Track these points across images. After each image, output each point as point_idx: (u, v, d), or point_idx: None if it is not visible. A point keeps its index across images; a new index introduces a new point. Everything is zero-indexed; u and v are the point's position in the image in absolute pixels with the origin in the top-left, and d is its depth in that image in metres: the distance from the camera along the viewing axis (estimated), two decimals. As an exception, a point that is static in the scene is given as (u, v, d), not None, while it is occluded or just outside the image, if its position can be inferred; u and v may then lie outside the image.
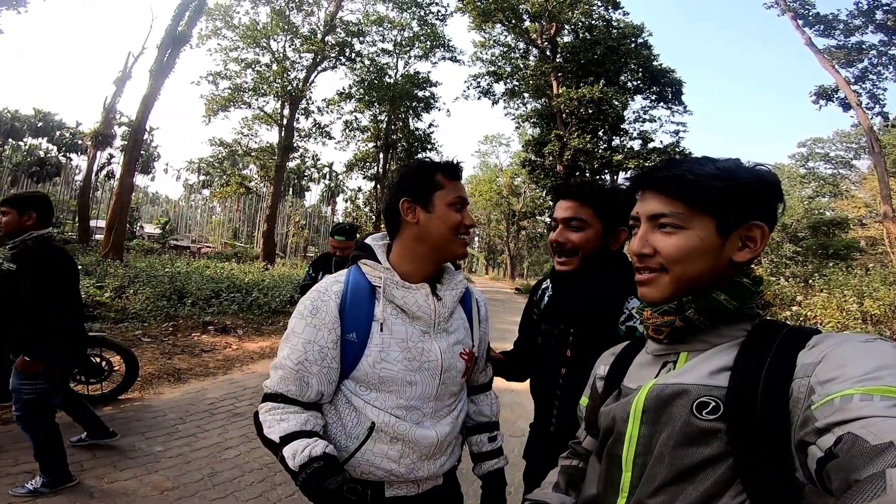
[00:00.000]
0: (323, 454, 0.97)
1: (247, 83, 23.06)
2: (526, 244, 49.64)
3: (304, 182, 45.14)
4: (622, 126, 23.51)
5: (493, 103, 25.79)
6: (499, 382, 1.50)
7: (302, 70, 23.69)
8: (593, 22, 22.72)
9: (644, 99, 24.04)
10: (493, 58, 25.29)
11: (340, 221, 4.37)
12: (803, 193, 32.35)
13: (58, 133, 37.50)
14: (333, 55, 23.58)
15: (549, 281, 1.50)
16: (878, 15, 16.03)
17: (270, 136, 25.92)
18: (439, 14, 25.62)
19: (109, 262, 11.90)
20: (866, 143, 17.73)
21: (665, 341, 0.77)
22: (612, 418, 0.80)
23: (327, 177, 47.16)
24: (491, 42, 24.99)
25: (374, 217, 27.93)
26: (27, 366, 2.40)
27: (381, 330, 1.05)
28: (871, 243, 25.62)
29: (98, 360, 3.92)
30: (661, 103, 23.70)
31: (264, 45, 23.04)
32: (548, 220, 25.49)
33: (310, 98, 24.43)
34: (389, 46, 26.25)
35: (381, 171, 27.37)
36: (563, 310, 1.37)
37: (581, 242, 1.30)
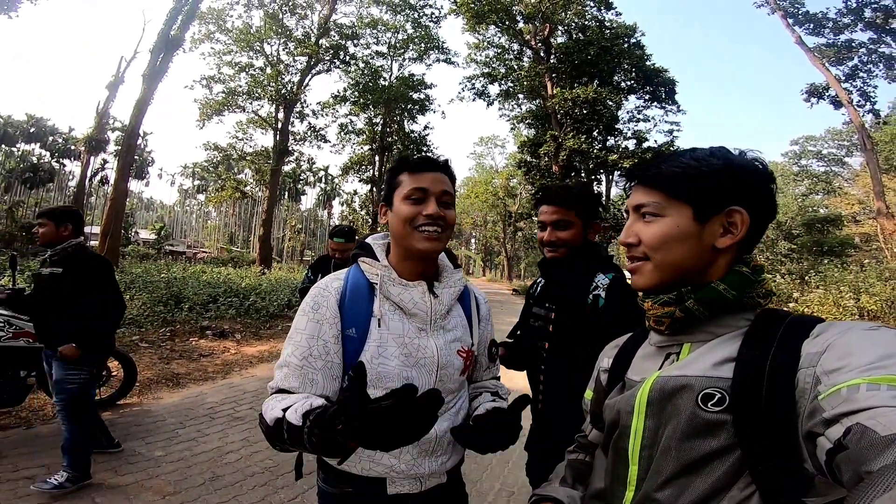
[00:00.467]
0: (324, 403, 0.90)
1: (241, 87, 22.96)
2: (523, 245, 49.60)
3: (299, 186, 44.96)
4: (616, 126, 23.63)
5: (487, 105, 25.87)
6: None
7: (296, 73, 23.63)
8: (586, 22, 22.81)
9: (638, 99, 24.22)
10: (488, 59, 25.35)
11: (339, 224, 4.39)
12: (797, 191, 32.52)
13: (50, 138, 37.20)
14: (328, 58, 23.55)
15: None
16: (867, 13, 16.22)
17: (265, 139, 25.74)
18: (433, 16, 25.67)
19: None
20: (858, 140, 17.87)
21: (667, 332, 0.77)
22: (616, 411, 0.80)
23: (323, 180, 47.11)
24: (485, 44, 25.06)
25: (370, 220, 27.90)
26: (72, 351, 2.62)
27: (379, 326, 1.06)
28: (865, 239, 25.77)
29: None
30: (655, 103, 23.87)
31: (258, 48, 22.96)
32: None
33: (304, 101, 24.35)
34: (384, 49, 26.28)
35: (376, 173, 27.33)
36: (551, 293, 1.61)
37: (569, 238, 1.57)
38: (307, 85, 23.84)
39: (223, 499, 2.76)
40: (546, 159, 22.24)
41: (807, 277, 11.85)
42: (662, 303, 0.76)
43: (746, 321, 0.72)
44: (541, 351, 1.57)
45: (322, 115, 25.90)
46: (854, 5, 16.26)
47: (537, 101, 24.59)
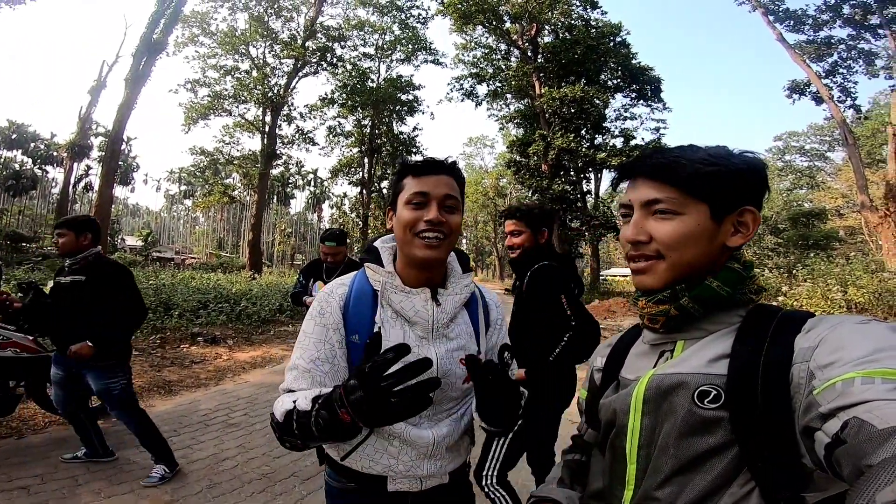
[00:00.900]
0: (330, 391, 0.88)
1: (226, 90, 22.80)
2: (513, 244, 49.72)
3: (288, 189, 44.72)
4: (604, 124, 23.82)
5: (476, 105, 25.94)
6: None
7: (283, 76, 23.51)
8: (573, 22, 22.99)
9: (624, 97, 24.38)
10: (476, 60, 25.41)
11: (330, 227, 4.35)
12: (781, 186, 33.10)
13: (32, 145, 36.59)
14: (314, 60, 23.45)
15: None
16: (846, 10, 16.51)
17: (253, 143, 25.61)
18: (420, 17, 25.72)
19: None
20: (840, 135, 18.21)
21: (661, 330, 0.76)
22: (612, 411, 0.79)
23: (312, 183, 46.91)
24: (472, 44, 25.14)
25: (360, 222, 27.81)
26: (88, 350, 2.72)
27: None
28: (849, 233, 26.27)
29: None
30: (641, 101, 24.06)
31: (243, 51, 22.81)
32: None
33: (292, 104, 24.24)
34: (371, 50, 26.24)
35: (366, 175, 27.28)
36: (518, 277, 2.29)
37: (521, 242, 2.26)
38: (294, 87, 23.76)
39: (221, 506, 2.74)
40: (535, 159, 22.33)
41: (794, 271, 11.99)
42: (657, 301, 0.75)
43: (739, 317, 0.72)
44: (513, 316, 2.25)
45: (310, 118, 25.84)
46: (833, 2, 16.55)
47: (525, 100, 24.73)
